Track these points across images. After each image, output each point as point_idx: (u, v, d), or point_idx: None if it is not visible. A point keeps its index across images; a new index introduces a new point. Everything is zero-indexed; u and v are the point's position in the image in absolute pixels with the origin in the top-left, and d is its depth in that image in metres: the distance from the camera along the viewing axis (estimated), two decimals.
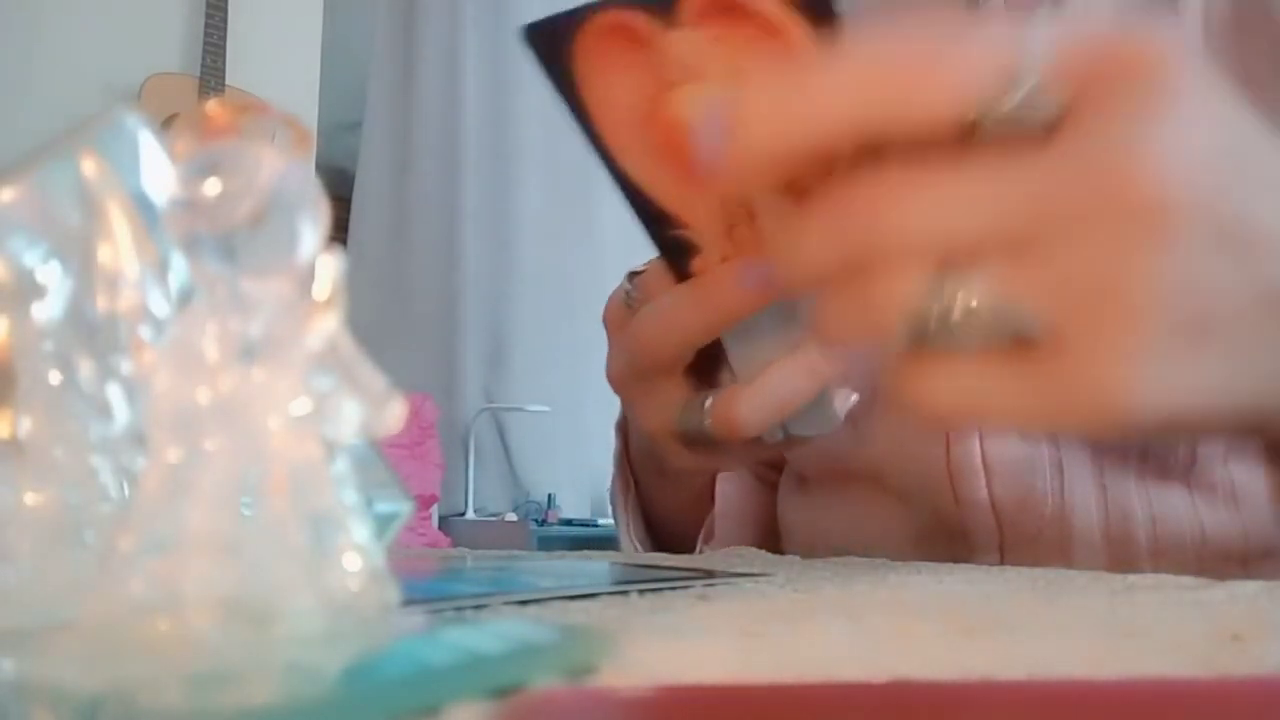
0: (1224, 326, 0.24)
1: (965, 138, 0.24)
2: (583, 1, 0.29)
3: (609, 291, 0.38)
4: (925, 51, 0.25)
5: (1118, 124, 0.23)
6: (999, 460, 0.42)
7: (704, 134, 0.29)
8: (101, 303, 0.17)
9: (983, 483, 0.42)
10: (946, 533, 0.43)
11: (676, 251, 0.34)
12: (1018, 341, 0.24)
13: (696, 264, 0.34)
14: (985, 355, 0.24)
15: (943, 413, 0.25)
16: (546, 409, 2.51)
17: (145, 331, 0.17)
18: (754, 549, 0.44)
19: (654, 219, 0.34)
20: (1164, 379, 0.23)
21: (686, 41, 0.29)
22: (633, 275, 0.37)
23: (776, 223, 0.32)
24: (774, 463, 0.58)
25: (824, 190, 0.26)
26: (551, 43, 0.31)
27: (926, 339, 0.24)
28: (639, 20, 0.29)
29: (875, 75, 0.25)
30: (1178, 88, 0.24)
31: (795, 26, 0.27)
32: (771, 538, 0.54)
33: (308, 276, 0.15)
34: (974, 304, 0.23)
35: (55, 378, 0.17)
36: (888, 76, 0.24)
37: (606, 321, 0.37)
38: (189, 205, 0.14)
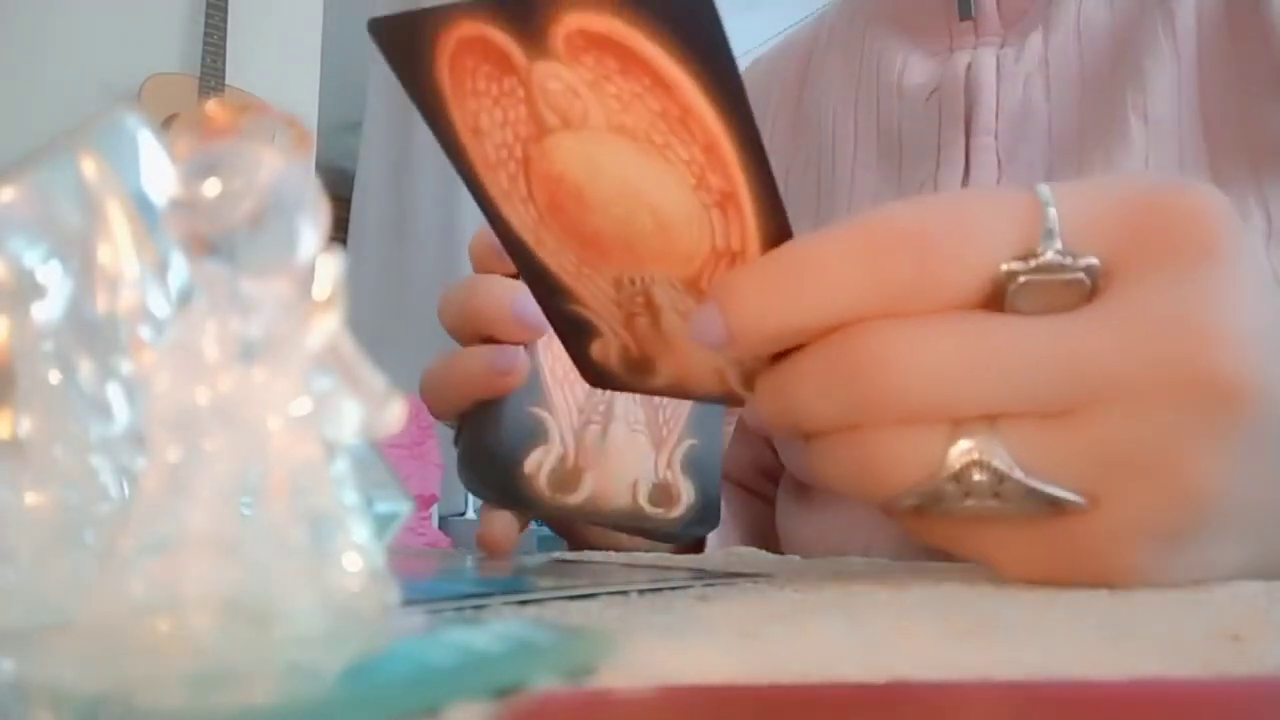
0: (1253, 514, 0.23)
1: (991, 302, 0.23)
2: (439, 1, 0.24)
3: None
4: (941, 215, 0.23)
5: (1167, 290, 0.22)
6: None
7: (700, 324, 0.25)
8: (101, 303, 0.17)
9: None
10: None
11: (573, 329, 0.31)
12: (1030, 511, 0.22)
13: (596, 350, 0.32)
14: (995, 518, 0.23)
15: (944, 549, 0.24)
16: None
17: (145, 331, 0.17)
18: (753, 549, 0.44)
19: (536, 278, 0.30)
20: (1186, 561, 0.23)
21: (559, 81, 0.24)
22: None
23: (680, 316, 0.29)
24: (769, 473, 0.58)
25: (829, 336, 0.23)
26: (408, 46, 0.25)
27: (935, 503, 0.23)
28: (502, 39, 0.23)
29: (885, 253, 0.23)
30: (1225, 251, 0.22)
31: (686, 84, 0.22)
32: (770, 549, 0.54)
33: (308, 276, 0.15)
34: (994, 471, 0.22)
35: (55, 378, 0.17)
36: (901, 253, 0.23)
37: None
38: (189, 205, 0.14)
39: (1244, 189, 0.43)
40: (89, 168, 0.18)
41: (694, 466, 0.40)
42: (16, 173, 0.17)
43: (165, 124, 0.16)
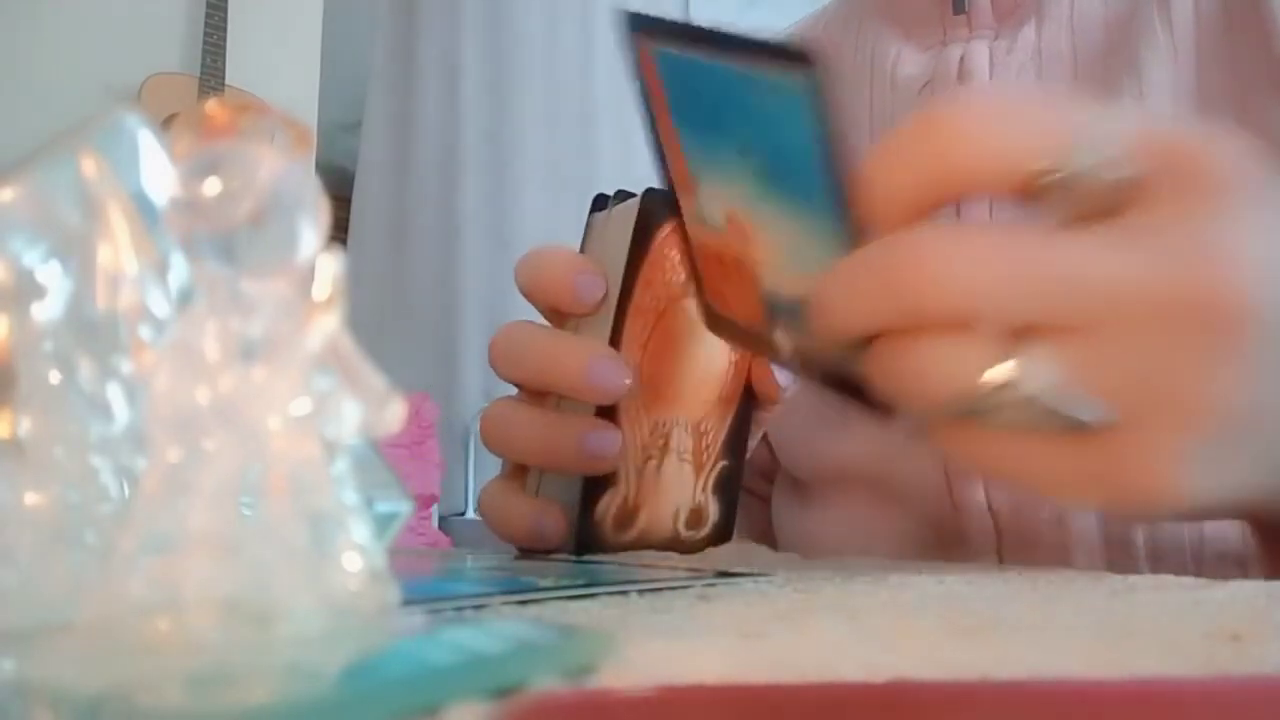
0: (1266, 427, 0.24)
1: (1034, 197, 0.24)
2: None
3: None
4: (1003, 107, 0.25)
5: (1191, 219, 0.23)
6: None
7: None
8: (101, 303, 0.17)
9: (980, 487, 0.42)
10: (944, 537, 0.43)
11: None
12: (1068, 427, 0.23)
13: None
14: (1033, 432, 0.23)
15: (981, 470, 0.25)
16: None
17: (145, 331, 0.17)
18: (754, 545, 0.44)
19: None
20: (1207, 475, 0.24)
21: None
22: None
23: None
24: (765, 472, 0.58)
25: (878, 242, 0.25)
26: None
27: (975, 413, 0.23)
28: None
29: (957, 125, 0.24)
30: (1247, 194, 0.24)
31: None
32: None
33: (308, 276, 0.15)
34: (1031, 388, 0.23)
35: (55, 378, 0.17)
36: (967, 128, 0.24)
37: None
38: (189, 205, 0.14)
39: None
40: (89, 168, 0.18)
41: (723, 487, 0.41)
42: (16, 173, 0.17)
43: (165, 124, 0.16)
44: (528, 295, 0.39)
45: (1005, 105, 0.25)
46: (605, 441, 0.36)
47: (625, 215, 0.38)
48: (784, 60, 0.26)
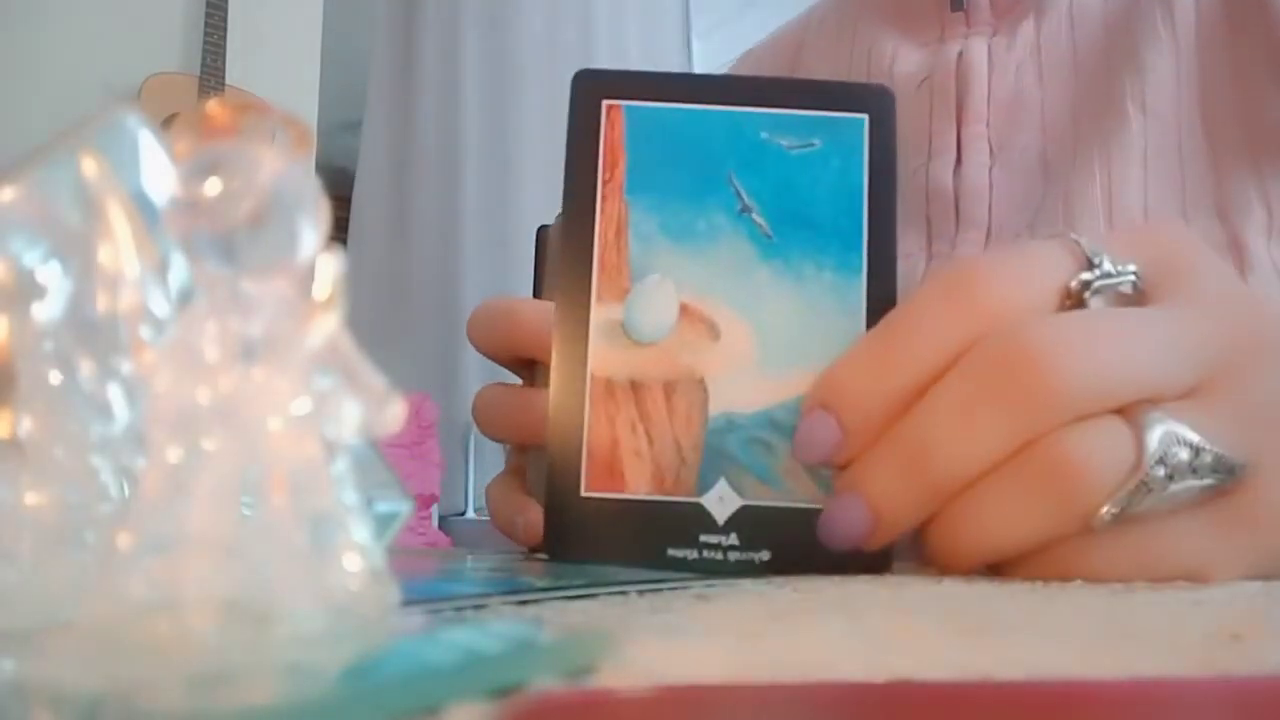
0: None
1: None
2: None
3: None
4: (1003, 255, 0.26)
5: (1199, 285, 0.24)
6: None
7: (810, 432, 0.25)
8: (101, 303, 0.17)
9: None
10: None
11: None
12: (1209, 490, 0.23)
13: None
14: (1182, 514, 0.23)
15: (1152, 573, 0.23)
16: None
17: (145, 331, 0.17)
18: None
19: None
20: None
21: None
22: None
23: None
24: None
25: (970, 353, 0.23)
26: None
27: (1140, 499, 0.22)
28: None
29: (968, 288, 0.24)
30: (1212, 261, 0.26)
31: None
32: None
33: (308, 276, 0.15)
34: (1190, 449, 0.22)
35: (55, 378, 0.17)
36: (982, 285, 0.24)
37: None
38: (189, 205, 0.14)
39: (1245, 182, 0.43)
40: (89, 168, 0.18)
41: None
42: (16, 173, 0.17)
43: (165, 124, 0.16)
44: (491, 352, 0.39)
45: (1016, 249, 0.27)
46: None
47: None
48: (831, 100, 0.25)
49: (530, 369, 0.40)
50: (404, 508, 0.21)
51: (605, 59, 2.88)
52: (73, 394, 0.17)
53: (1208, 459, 0.22)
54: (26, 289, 0.17)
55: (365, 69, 2.76)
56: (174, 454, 0.14)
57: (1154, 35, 0.46)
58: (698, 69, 3.08)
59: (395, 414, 0.15)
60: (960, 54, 0.51)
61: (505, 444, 0.42)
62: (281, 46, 2.29)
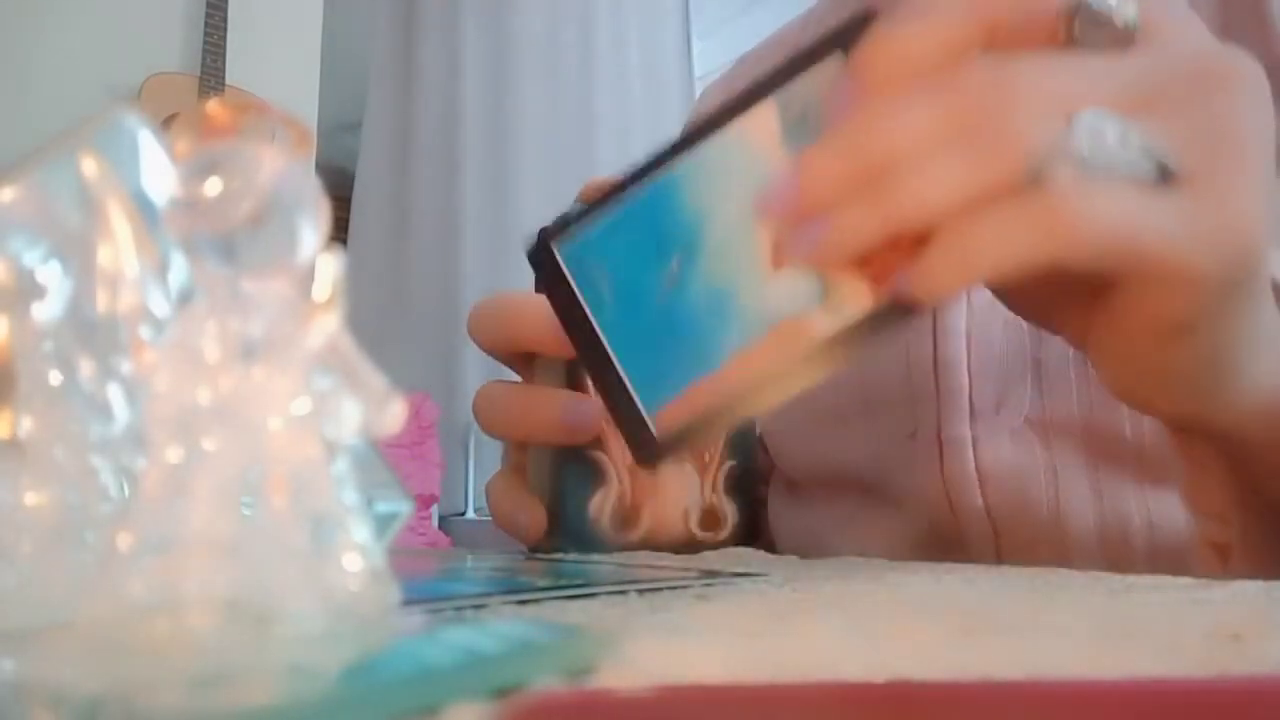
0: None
1: (1062, 43, 0.27)
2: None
3: None
4: None
5: (1184, 36, 0.28)
6: (994, 467, 0.42)
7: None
8: (101, 303, 0.17)
9: (977, 490, 0.42)
10: (942, 540, 0.43)
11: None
12: (1152, 179, 0.25)
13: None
14: (1132, 184, 0.25)
15: (1099, 231, 0.25)
16: None
17: (145, 331, 0.17)
18: (752, 549, 0.44)
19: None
20: (1266, 211, 0.27)
21: None
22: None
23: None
24: (763, 475, 0.58)
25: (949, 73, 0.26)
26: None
27: (1075, 163, 0.25)
28: None
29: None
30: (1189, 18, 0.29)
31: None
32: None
33: (308, 276, 0.15)
34: (1120, 132, 0.25)
35: (55, 378, 0.17)
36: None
37: None
38: (189, 205, 0.14)
39: None
40: (89, 168, 0.18)
41: (736, 487, 0.42)
42: (16, 173, 0.17)
43: (165, 124, 0.16)
44: (491, 347, 0.40)
45: None
46: (584, 410, 0.37)
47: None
48: (725, 118, 0.26)
49: (530, 364, 0.40)
50: (404, 508, 0.21)
51: (605, 59, 2.88)
52: (73, 394, 0.17)
53: (1135, 141, 0.25)
54: (26, 289, 0.17)
55: (365, 69, 2.76)
56: (174, 454, 0.14)
57: None
58: (698, 69, 3.08)
59: (395, 414, 0.15)
60: None
61: (506, 441, 0.42)
62: (281, 46, 2.29)
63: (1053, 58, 0.26)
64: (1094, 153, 0.25)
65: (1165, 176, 0.25)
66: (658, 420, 0.27)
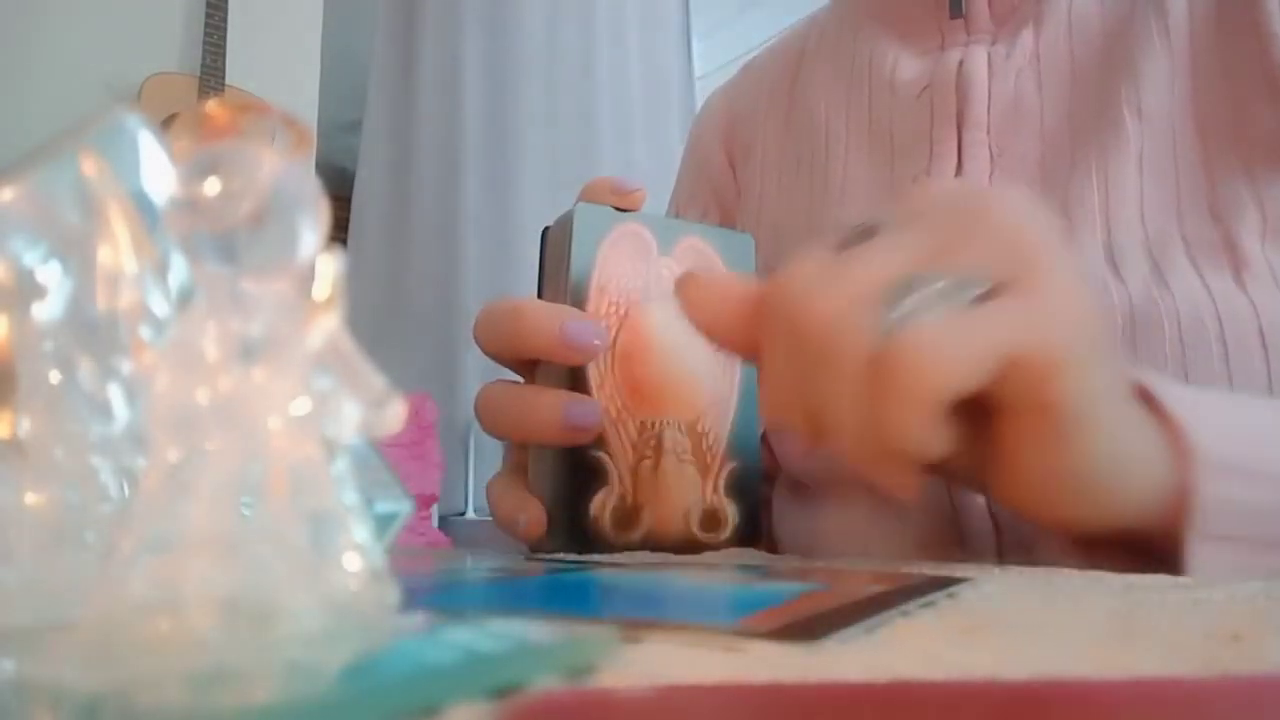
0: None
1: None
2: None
3: None
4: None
5: (937, 190, 0.31)
6: None
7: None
8: (101, 303, 0.17)
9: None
10: (944, 539, 0.43)
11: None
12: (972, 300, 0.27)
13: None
14: (962, 310, 0.27)
15: (939, 364, 0.26)
16: None
17: (145, 331, 0.17)
18: (752, 549, 0.44)
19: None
20: (1084, 278, 0.29)
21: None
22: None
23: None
24: (766, 474, 0.58)
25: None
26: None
27: (906, 321, 0.27)
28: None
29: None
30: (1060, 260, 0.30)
31: None
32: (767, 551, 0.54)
33: (308, 276, 0.15)
34: (928, 280, 0.27)
35: (55, 378, 0.17)
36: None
37: None
38: (189, 205, 0.14)
39: (1238, 185, 0.43)
40: (89, 168, 0.18)
41: (737, 489, 0.42)
42: (16, 173, 0.17)
43: (165, 124, 0.16)
44: (495, 352, 0.40)
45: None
46: (585, 411, 0.38)
47: (563, 230, 0.39)
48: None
49: (533, 369, 0.40)
50: (404, 508, 0.21)
51: (605, 59, 2.88)
52: (73, 394, 0.17)
53: (943, 280, 0.27)
54: (26, 289, 0.17)
55: (365, 69, 2.76)
56: (174, 454, 0.14)
57: (1149, 42, 0.47)
58: (698, 69, 3.08)
59: (395, 414, 0.15)
60: (960, 62, 0.51)
61: (506, 441, 0.42)
62: (281, 46, 2.29)
63: (839, 263, 0.28)
64: (915, 306, 0.27)
65: (986, 293, 0.27)
66: None
